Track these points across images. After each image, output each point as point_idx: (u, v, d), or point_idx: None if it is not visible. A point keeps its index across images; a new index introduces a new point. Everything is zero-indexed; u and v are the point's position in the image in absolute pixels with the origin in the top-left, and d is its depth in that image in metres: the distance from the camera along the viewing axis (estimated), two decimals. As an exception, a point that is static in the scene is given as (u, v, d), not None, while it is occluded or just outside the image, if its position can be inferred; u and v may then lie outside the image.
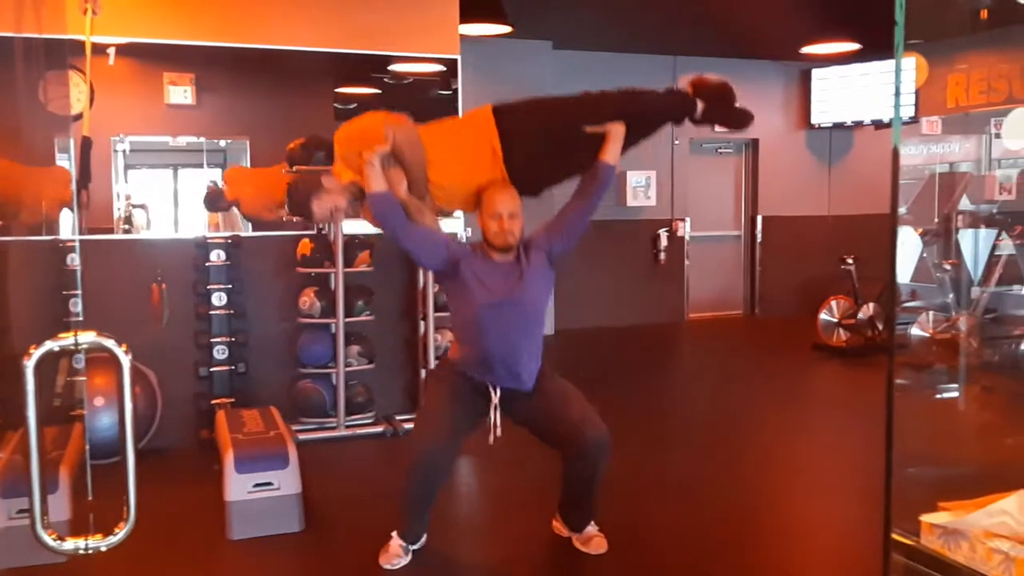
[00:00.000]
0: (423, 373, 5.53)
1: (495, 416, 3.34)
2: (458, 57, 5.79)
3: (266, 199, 5.57)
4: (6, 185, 4.22)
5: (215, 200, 5.70)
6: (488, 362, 3.30)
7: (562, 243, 3.37)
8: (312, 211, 3.30)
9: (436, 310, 5.42)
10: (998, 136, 7.36)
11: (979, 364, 5.72)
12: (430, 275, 5.39)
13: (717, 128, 3.59)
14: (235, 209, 6.24)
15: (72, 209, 4.36)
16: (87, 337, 1.73)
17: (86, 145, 4.73)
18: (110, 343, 1.74)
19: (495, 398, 3.34)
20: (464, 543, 3.80)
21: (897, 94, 2.05)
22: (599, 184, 3.30)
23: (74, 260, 4.48)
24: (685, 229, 9.97)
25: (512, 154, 3.21)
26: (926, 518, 2.22)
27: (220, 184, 5.97)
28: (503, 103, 3.31)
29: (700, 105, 3.42)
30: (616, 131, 3.26)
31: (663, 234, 9.82)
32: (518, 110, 3.31)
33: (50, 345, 1.63)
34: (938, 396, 4.76)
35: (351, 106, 6.16)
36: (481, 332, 3.27)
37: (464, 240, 5.19)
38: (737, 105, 3.51)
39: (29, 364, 1.52)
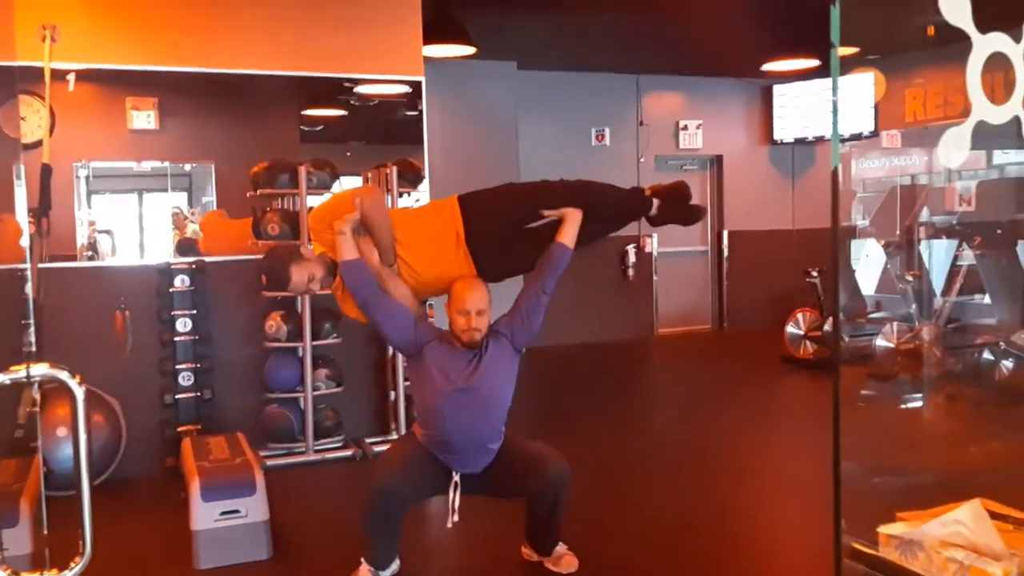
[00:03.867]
0: (391, 396, 5.50)
1: (454, 496, 3.36)
2: (422, 79, 5.80)
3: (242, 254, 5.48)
4: None
5: (187, 249, 5.65)
6: (447, 447, 3.34)
7: (522, 328, 3.39)
8: (290, 277, 3.30)
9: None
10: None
11: (942, 373, 5.80)
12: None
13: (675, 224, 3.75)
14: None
15: (25, 262, 4.31)
16: (40, 369, 1.71)
17: (46, 172, 4.67)
18: (63, 375, 1.72)
19: (455, 477, 3.37)
20: (435, 568, 3.77)
21: (835, 112, 2.08)
22: (553, 265, 3.34)
23: (27, 289, 4.42)
24: (653, 245, 10.03)
25: (475, 238, 3.31)
26: (883, 529, 2.25)
27: (185, 213, 5.91)
28: (468, 192, 3.42)
29: (656, 203, 3.56)
30: (572, 215, 3.33)
31: (631, 250, 9.88)
32: (481, 197, 3.41)
33: (1, 378, 1.61)
34: (902, 406, 4.82)
35: (317, 128, 6.16)
36: (440, 418, 3.31)
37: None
38: (691, 203, 3.68)
39: (-21, 398, 1.50)
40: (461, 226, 3.30)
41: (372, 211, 3.21)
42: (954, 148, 2.07)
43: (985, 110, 1.99)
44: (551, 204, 3.35)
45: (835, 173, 2.00)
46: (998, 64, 2.13)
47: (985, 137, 2.13)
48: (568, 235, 3.33)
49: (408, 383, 5.05)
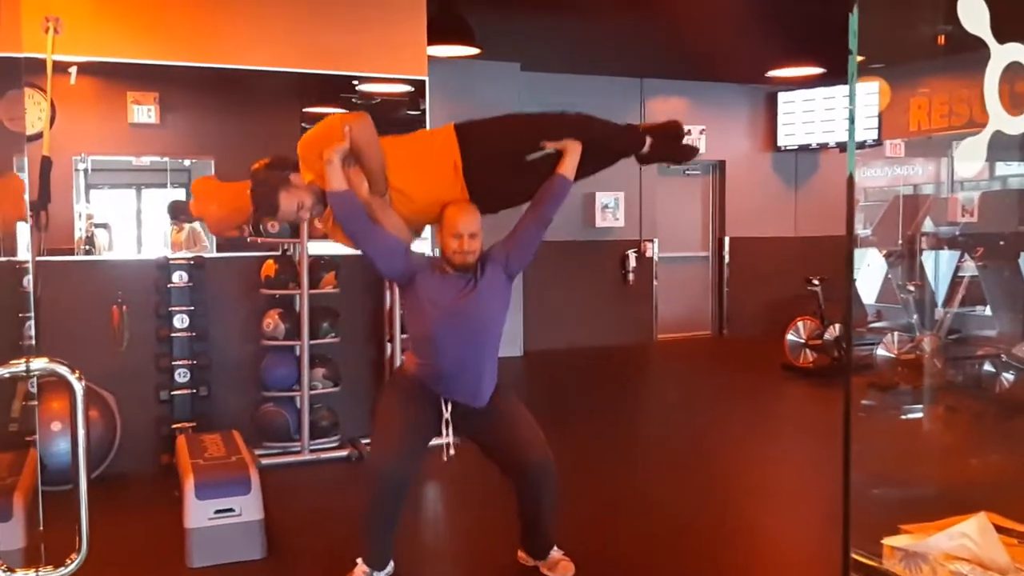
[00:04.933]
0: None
1: (447, 432, 3.33)
2: (426, 78, 5.78)
3: (233, 217, 5.44)
4: None
5: (178, 212, 5.57)
6: (441, 376, 3.31)
7: (518, 255, 3.36)
8: (279, 204, 3.25)
9: (402, 332, 5.37)
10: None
11: (943, 384, 5.79)
12: (396, 296, 5.35)
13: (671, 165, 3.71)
14: (197, 225, 6.12)
15: (26, 221, 4.27)
16: (39, 363, 1.68)
17: (46, 165, 4.64)
18: (63, 369, 1.68)
19: (446, 412, 3.33)
20: (430, 571, 3.75)
21: (851, 120, 2.06)
22: (553, 195, 3.31)
23: (28, 282, 4.40)
24: (654, 250, 10.01)
25: (473, 169, 3.24)
26: (888, 541, 2.23)
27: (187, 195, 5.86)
28: (466, 122, 3.35)
29: (648, 140, 3.52)
30: (573, 147, 3.30)
31: (632, 255, 9.85)
32: (480, 127, 3.35)
33: (0, 372, 1.58)
34: (903, 416, 4.80)
35: (318, 126, 6.12)
36: (434, 346, 3.27)
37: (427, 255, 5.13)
38: (684, 142, 3.64)
39: (-24, 392, 1.47)
40: (459, 157, 3.23)
41: (362, 138, 3.12)
42: (969, 158, 2.05)
43: (1002, 120, 1.96)
44: (551, 135, 3.31)
45: (851, 179, 1.98)
46: (1004, 76, 2.10)
47: (993, 148, 2.10)
48: (569, 166, 3.31)
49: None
